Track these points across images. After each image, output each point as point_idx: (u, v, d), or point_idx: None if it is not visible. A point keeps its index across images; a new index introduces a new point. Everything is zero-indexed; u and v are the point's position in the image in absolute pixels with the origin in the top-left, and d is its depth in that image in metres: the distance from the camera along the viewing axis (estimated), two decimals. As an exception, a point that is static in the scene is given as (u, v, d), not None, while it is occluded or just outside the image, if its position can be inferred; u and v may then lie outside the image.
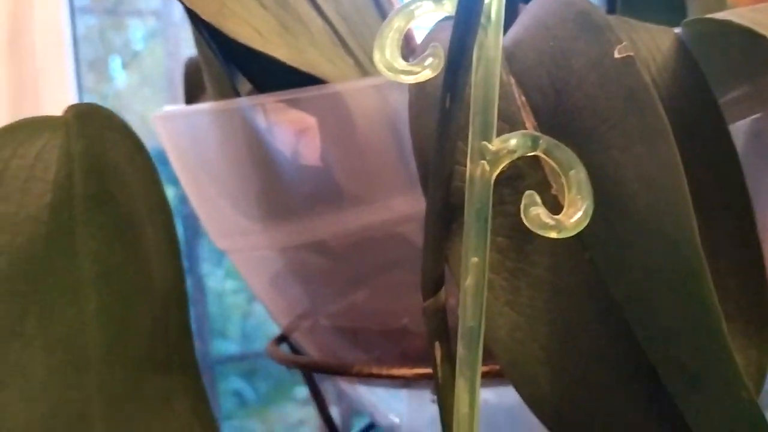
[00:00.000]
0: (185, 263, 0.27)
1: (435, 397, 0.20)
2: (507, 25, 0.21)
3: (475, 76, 0.17)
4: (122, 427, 0.20)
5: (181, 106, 0.27)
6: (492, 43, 0.17)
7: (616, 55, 0.17)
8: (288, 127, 0.24)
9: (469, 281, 0.17)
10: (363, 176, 0.24)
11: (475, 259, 0.17)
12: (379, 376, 0.23)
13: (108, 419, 0.19)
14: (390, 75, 0.16)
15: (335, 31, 0.25)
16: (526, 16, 0.20)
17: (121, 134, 0.21)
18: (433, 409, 0.26)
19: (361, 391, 0.31)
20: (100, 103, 0.21)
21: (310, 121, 0.24)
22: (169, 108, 0.27)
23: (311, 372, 0.27)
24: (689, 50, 0.20)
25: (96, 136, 0.20)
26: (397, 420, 0.31)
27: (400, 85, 0.17)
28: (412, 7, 0.17)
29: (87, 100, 0.75)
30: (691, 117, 0.20)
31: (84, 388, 0.19)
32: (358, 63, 0.25)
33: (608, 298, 0.18)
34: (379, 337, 0.27)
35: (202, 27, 0.23)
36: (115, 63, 1.01)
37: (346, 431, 0.38)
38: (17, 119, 0.20)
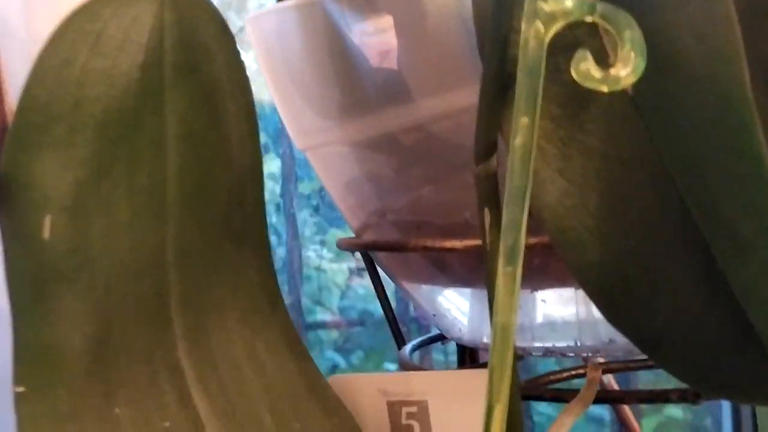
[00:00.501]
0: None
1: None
2: None
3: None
4: (194, 277, 0.22)
5: (268, 7, 0.28)
6: None
7: None
8: (365, 21, 0.25)
9: (518, 141, 0.18)
10: (433, 67, 0.25)
11: (525, 119, 0.18)
12: (433, 249, 0.23)
13: (181, 267, 0.21)
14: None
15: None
16: None
17: (210, 15, 0.23)
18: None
19: (427, 296, 0.31)
20: None
21: (387, 15, 0.25)
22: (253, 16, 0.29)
23: (371, 250, 0.28)
24: None
25: (187, 11, 0.22)
26: (458, 325, 0.31)
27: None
28: None
29: None
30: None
31: (161, 235, 0.21)
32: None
33: (662, 169, 0.18)
34: (440, 230, 0.27)
35: None
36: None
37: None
38: None
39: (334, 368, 1.13)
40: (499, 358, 0.18)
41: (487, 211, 0.19)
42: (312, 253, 1.14)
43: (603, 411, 0.91)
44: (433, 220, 0.27)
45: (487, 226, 0.20)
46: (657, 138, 0.18)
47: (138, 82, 0.20)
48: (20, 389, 0.18)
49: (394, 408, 0.25)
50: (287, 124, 0.31)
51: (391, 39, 0.25)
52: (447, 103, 0.25)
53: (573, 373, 0.33)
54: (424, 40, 0.25)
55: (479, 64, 0.21)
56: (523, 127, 0.18)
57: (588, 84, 0.16)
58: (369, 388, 0.25)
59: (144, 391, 0.19)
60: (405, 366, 0.30)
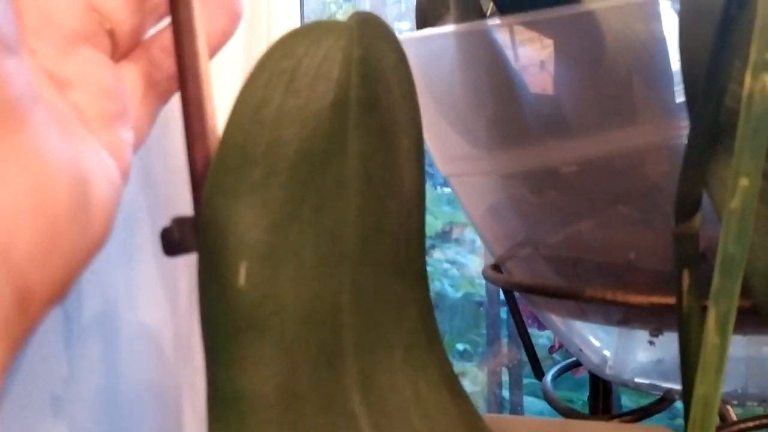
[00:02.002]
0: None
1: (653, 339, 0.20)
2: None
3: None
4: (366, 318, 0.21)
5: (427, 30, 0.27)
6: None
7: None
8: (530, 50, 0.24)
9: (735, 204, 0.17)
10: (602, 102, 0.24)
11: (745, 181, 0.17)
12: (614, 302, 0.23)
13: (355, 309, 0.21)
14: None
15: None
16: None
17: (390, 44, 0.22)
18: (644, 351, 0.25)
19: (573, 328, 0.31)
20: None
21: (554, 48, 0.24)
22: (411, 32, 0.28)
23: (536, 294, 0.27)
24: None
25: (371, 43, 0.21)
26: (600, 358, 0.30)
27: (648, 6, 0.17)
28: None
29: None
30: None
31: (339, 280, 0.20)
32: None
33: None
34: (600, 269, 0.26)
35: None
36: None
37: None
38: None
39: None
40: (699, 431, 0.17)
41: (686, 272, 0.18)
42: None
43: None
44: (592, 258, 0.26)
45: (684, 288, 0.19)
46: None
47: (328, 121, 0.20)
48: (215, 435, 0.18)
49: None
50: (431, 148, 0.31)
51: (556, 71, 0.24)
52: (612, 142, 0.24)
53: (759, 423, 0.31)
54: (592, 75, 0.24)
55: (650, 104, 0.20)
56: (742, 190, 0.17)
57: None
58: (526, 432, 0.24)
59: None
60: (549, 399, 0.29)
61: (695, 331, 0.18)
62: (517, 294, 0.33)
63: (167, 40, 0.22)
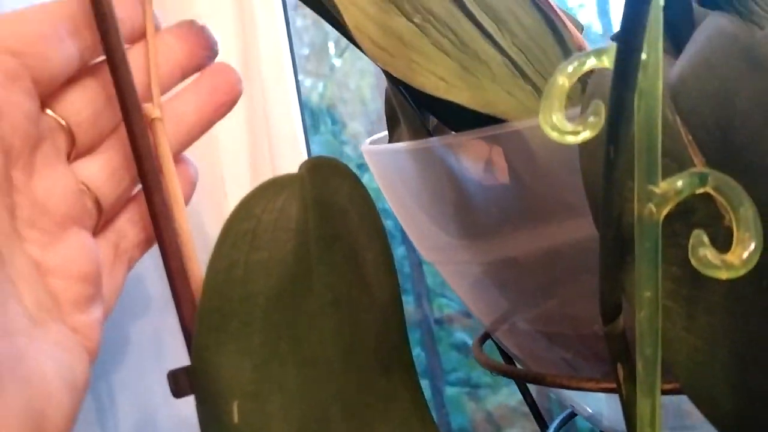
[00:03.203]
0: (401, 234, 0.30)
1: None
2: (681, 42, 0.22)
3: (637, 123, 0.18)
4: (356, 425, 0.24)
5: (382, 146, 0.30)
6: (652, 91, 0.18)
7: (782, 93, 0.17)
8: (475, 159, 0.27)
9: (642, 314, 0.19)
10: (546, 199, 0.26)
11: (647, 293, 0.19)
12: (570, 387, 0.25)
13: (345, 420, 0.24)
14: (556, 137, 0.18)
15: (513, 63, 0.27)
16: (692, 47, 0.20)
17: (343, 177, 0.25)
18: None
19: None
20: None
21: (496, 152, 0.26)
22: (371, 144, 0.31)
23: (509, 377, 0.30)
24: None
25: (325, 184, 0.24)
26: (593, 412, 0.32)
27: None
28: (575, 65, 0.19)
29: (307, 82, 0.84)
30: None
31: (326, 395, 0.23)
32: (536, 89, 0.27)
33: (790, 321, 0.19)
34: (573, 339, 0.29)
35: (394, 80, 0.26)
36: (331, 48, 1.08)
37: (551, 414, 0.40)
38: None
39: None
40: None
41: (620, 366, 0.21)
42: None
43: None
44: (564, 331, 0.29)
45: (620, 379, 0.21)
46: (782, 297, 0.19)
47: (291, 266, 0.23)
48: None
49: None
50: (411, 237, 0.33)
51: (500, 173, 0.27)
52: (565, 231, 0.26)
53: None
54: (534, 179, 0.26)
55: (581, 201, 0.22)
56: (646, 301, 0.19)
57: (707, 272, 0.17)
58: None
59: None
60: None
61: (634, 415, 0.20)
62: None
63: (133, 210, 0.24)
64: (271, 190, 0.23)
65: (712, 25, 0.20)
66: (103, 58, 0.23)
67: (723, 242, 0.18)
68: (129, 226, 0.24)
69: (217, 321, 0.22)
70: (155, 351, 0.37)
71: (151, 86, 0.24)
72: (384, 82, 0.32)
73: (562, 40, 0.28)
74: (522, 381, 0.29)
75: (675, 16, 0.27)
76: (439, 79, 0.25)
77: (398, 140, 0.31)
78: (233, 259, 0.22)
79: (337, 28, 0.26)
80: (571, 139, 0.18)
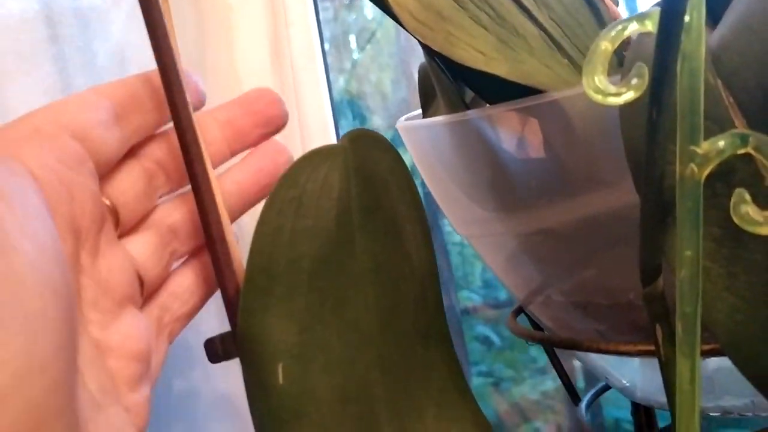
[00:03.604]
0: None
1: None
2: (718, 16, 0.22)
3: (680, 85, 0.18)
4: (396, 390, 0.25)
5: (418, 120, 0.31)
6: (695, 53, 0.18)
7: (824, 52, 0.18)
8: (512, 132, 0.27)
9: (683, 273, 0.19)
10: (582, 170, 0.27)
11: (688, 253, 0.19)
12: (607, 351, 0.25)
13: (385, 384, 0.24)
14: (599, 99, 0.19)
15: (550, 36, 0.28)
16: (732, 14, 0.21)
17: (384, 150, 0.26)
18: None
19: (594, 358, 0.33)
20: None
21: (532, 125, 0.27)
22: (407, 120, 0.32)
23: (546, 345, 0.30)
24: None
25: (366, 155, 0.25)
26: (628, 383, 0.33)
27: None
28: (618, 29, 0.19)
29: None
30: None
31: (367, 359, 0.24)
32: (572, 63, 0.27)
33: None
34: (608, 310, 0.29)
35: (432, 53, 0.26)
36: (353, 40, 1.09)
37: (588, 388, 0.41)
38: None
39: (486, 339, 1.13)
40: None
41: (659, 326, 0.21)
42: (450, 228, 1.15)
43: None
44: (599, 301, 0.29)
45: (660, 341, 0.21)
46: (823, 256, 0.19)
47: (335, 233, 0.24)
48: None
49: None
50: (446, 212, 0.34)
51: (537, 144, 0.27)
52: (601, 201, 0.27)
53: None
54: (571, 150, 0.27)
55: (622, 168, 0.22)
56: (687, 260, 0.19)
57: (749, 228, 0.18)
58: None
59: None
60: (584, 428, 0.32)
61: (674, 377, 0.20)
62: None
63: (174, 284, 0.24)
64: (315, 159, 0.23)
65: (752, -10, 0.20)
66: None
67: (764, 201, 0.18)
68: (171, 300, 0.24)
69: (264, 283, 0.22)
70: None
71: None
72: (405, 77, 0.32)
73: (598, 14, 0.29)
74: (558, 347, 0.29)
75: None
76: (478, 53, 0.26)
77: (433, 116, 0.31)
78: (279, 224, 0.23)
79: (376, 4, 0.26)
80: (614, 101, 0.19)
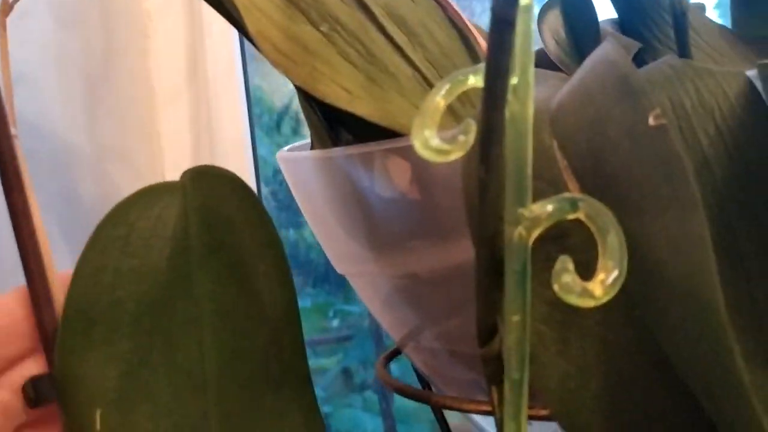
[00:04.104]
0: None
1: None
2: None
3: (507, 147, 0.18)
4: (236, 437, 0.24)
5: (291, 153, 0.30)
6: (522, 115, 0.18)
7: (651, 122, 0.17)
8: (376, 172, 0.26)
9: (511, 338, 0.19)
10: (444, 216, 0.26)
11: (515, 318, 0.18)
12: (452, 408, 0.25)
13: (225, 429, 0.23)
14: (427, 155, 0.18)
15: (424, 77, 0.27)
16: (578, 74, 0.20)
17: (232, 187, 0.25)
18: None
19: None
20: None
21: (397, 165, 0.26)
22: (285, 151, 0.31)
23: (399, 394, 0.29)
24: (759, 94, 0.20)
25: (209, 193, 0.24)
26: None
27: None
28: (451, 85, 0.18)
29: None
30: (758, 164, 0.19)
31: (202, 406, 0.23)
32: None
33: (659, 353, 0.19)
34: (474, 358, 0.28)
35: (300, 88, 0.25)
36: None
37: None
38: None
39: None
40: None
41: (494, 389, 0.20)
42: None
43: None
44: (464, 350, 0.28)
45: (495, 403, 0.21)
46: (651, 328, 0.19)
47: (166, 273, 0.22)
48: None
49: None
50: (323, 247, 0.33)
51: (405, 190, 0.26)
52: (463, 249, 0.26)
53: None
54: (430, 195, 0.26)
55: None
56: (515, 324, 0.19)
57: (567, 298, 0.17)
58: None
59: None
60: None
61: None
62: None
63: None
64: (149, 196, 0.22)
65: (599, 51, 0.20)
66: None
67: (596, 269, 0.17)
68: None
69: (82, 325, 0.21)
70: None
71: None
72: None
73: (475, 56, 0.28)
74: (411, 399, 0.28)
75: (584, 40, 0.27)
76: (343, 90, 0.25)
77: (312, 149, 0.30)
78: (102, 264, 0.21)
79: (240, 31, 0.25)
80: (441, 158, 0.18)
